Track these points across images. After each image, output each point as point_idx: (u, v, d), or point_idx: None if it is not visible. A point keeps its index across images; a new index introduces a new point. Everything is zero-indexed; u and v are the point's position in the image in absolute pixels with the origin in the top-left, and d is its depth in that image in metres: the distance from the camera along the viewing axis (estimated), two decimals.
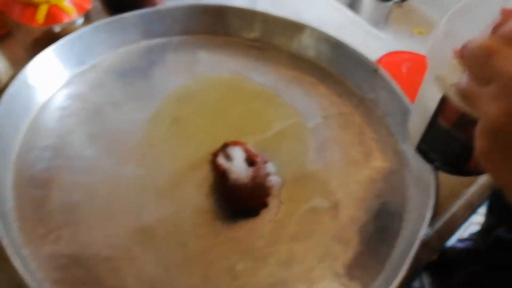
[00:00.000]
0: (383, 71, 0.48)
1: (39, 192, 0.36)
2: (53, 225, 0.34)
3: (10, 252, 0.29)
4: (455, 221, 0.39)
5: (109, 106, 0.44)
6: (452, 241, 0.64)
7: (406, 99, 0.45)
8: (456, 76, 0.27)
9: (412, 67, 0.56)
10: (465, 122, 0.29)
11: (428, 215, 0.34)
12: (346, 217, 0.38)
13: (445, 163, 0.33)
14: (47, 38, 0.44)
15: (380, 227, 0.38)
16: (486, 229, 0.60)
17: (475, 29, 0.32)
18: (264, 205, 0.38)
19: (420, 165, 0.40)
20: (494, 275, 0.53)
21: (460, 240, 0.65)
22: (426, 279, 0.60)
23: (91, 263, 0.33)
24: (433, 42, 0.30)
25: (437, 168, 0.34)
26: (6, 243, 0.29)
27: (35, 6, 0.41)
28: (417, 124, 0.35)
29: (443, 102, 0.29)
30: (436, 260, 0.49)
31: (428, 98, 0.33)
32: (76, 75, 0.46)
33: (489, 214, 0.61)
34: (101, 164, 0.39)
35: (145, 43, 0.51)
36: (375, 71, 0.48)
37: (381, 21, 0.92)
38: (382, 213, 0.39)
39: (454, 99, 0.28)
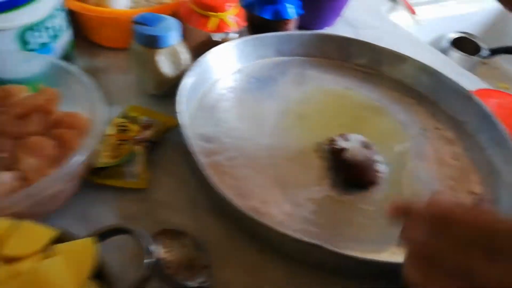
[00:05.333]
0: (477, 97, 0.56)
1: (207, 145, 0.49)
2: (217, 168, 0.46)
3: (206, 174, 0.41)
4: None
5: (251, 98, 0.57)
6: None
7: (499, 122, 0.53)
8: None
9: (501, 104, 0.63)
10: None
11: None
12: None
13: None
14: (208, 44, 0.59)
15: None
16: None
17: None
18: (373, 182, 0.48)
19: None
20: None
21: None
22: None
23: (246, 196, 0.44)
24: None
25: None
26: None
27: (208, 17, 0.56)
28: None
29: None
30: None
31: None
32: (227, 75, 0.60)
33: None
34: (247, 135, 0.52)
35: (275, 59, 0.64)
36: (469, 97, 0.57)
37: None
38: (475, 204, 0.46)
39: None
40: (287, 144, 0.52)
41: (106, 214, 0.42)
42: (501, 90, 0.93)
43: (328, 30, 0.74)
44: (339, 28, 0.75)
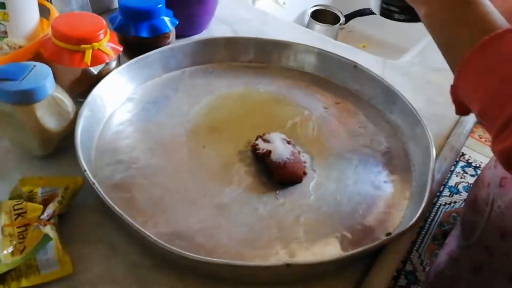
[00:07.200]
0: (362, 66, 0.61)
1: (125, 195, 0.43)
2: (147, 216, 0.41)
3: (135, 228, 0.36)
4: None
5: (152, 126, 0.53)
6: None
7: (385, 83, 0.58)
8: None
9: None
10: None
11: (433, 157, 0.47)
12: (365, 170, 0.50)
13: (404, 12, 0.44)
14: (84, 80, 0.52)
15: (393, 170, 0.49)
16: None
17: None
18: (304, 173, 0.48)
19: (410, 126, 0.53)
20: None
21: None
22: None
23: (189, 235, 0.40)
24: None
25: (400, 20, 0.45)
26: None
27: (82, 52, 0.49)
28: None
29: None
30: None
31: None
32: (118, 107, 0.54)
33: None
34: (165, 168, 0.47)
35: (165, 76, 0.60)
36: (355, 67, 0.61)
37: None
38: (391, 161, 0.51)
39: None
40: (209, 163, 0.49)
41: None
42: (361, 49, 1.02)
43: (206, 34, 0.71)
44: (215, 28, 0.73)
